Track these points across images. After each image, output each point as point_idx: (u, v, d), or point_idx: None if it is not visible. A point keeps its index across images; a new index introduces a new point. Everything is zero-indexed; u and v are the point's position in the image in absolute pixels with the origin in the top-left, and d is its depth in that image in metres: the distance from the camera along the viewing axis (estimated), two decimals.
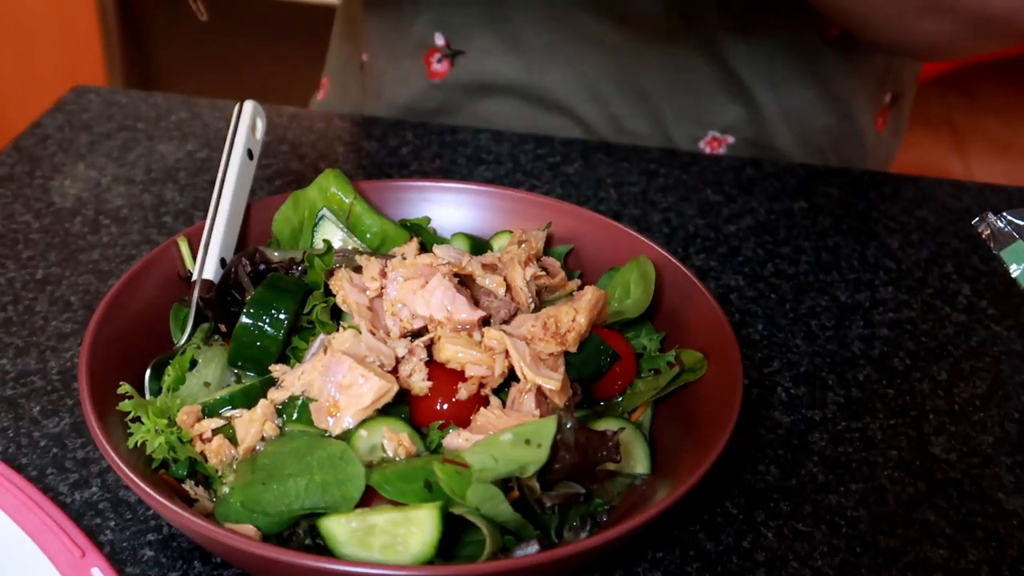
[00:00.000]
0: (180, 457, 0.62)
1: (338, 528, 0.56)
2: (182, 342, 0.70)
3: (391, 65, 1.16)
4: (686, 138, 1.13)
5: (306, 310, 0.70)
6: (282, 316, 0.67)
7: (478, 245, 0.79)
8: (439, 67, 1.12)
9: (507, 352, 0.64)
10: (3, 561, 0.60)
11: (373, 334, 0.66)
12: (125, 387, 0.64)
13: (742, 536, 0.67)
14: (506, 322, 0.69)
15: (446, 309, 0.67)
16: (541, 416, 0.63)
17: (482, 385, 0.65)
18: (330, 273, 0.73)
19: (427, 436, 0.63)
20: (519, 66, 1.10)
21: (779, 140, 1.13)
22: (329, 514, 0.57)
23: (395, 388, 0.62)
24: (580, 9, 1.05)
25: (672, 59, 1.08)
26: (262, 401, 0.64)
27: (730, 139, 1.13)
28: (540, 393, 0.64)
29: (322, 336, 0.67)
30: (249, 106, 0.81)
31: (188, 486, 0.62)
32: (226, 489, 0.60)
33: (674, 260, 0.75)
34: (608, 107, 1.12)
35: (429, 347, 0.66)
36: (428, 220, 0.82)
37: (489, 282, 0.71)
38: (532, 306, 0.71)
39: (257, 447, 0.62)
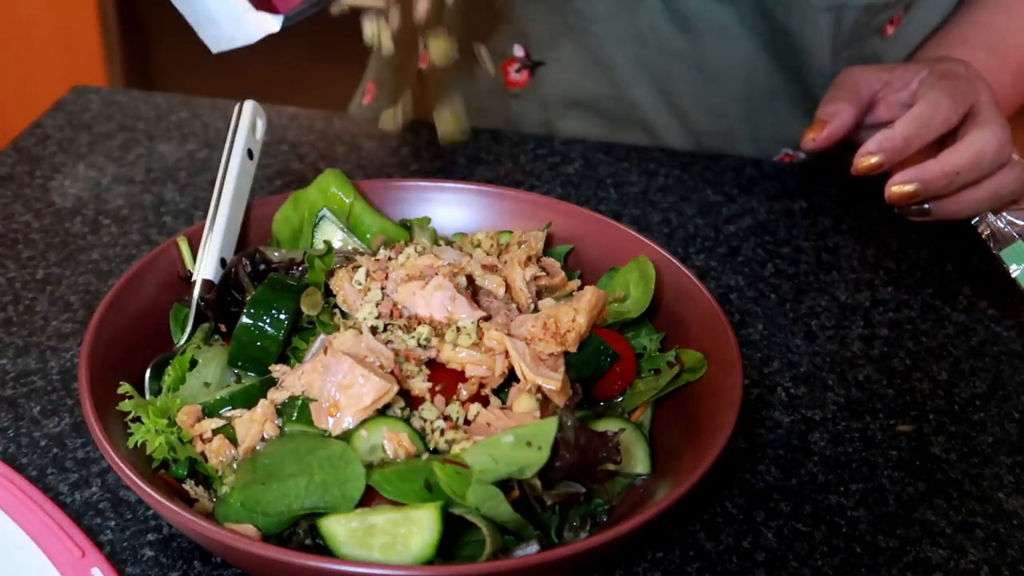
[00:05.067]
0: (180, 457, 0.62)
1: (338, 528, 0.56)
2: (182, 342, 0.70)
3: (463, 72, 1.14)
4: (760, 155, 1.13)
5: None
6: (282, 316, 0.67)
7: None
8: (517, 77, 1.11)
9: (507, 352, 0.64)
10: (3, 561, 0.60)
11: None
12: (125, 387, 0.64)
13: (742, 536, 0.67)
14: None
15: (446, 309, 0.67)
16: (541, 416, 0.63)
17: (482, 385, 0.65)
18: (330, 273, 0.73)
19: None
20: (602, 80, 1.09)
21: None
22: (329, 514, 0.57)
23: (395, 388, 0.62)
24: (666, 26, 1.04)
25: (752, 74, 1.07)
26: (262, 401, 0.64)
27: (801, 155, 1.14)
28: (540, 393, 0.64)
29: (322, 336, 0.67)
30: (249, 106, 0.81)
31: (188, 486, 0.62)
32: (226, 489, 0.60)
33: (674, 260, 0.75)
34: (688, 123, 1.12)
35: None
36: (428, 220, 0.82)
37: (489, 282, 0.71)
38: (532, 306, 0.71)
39: (257, 447, 0.62)
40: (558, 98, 1.12)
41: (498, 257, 0.75)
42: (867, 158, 0.81)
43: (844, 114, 0.88)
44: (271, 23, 0.59)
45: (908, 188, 0.80)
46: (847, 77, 0.93)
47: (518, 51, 1.10)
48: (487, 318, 0.68)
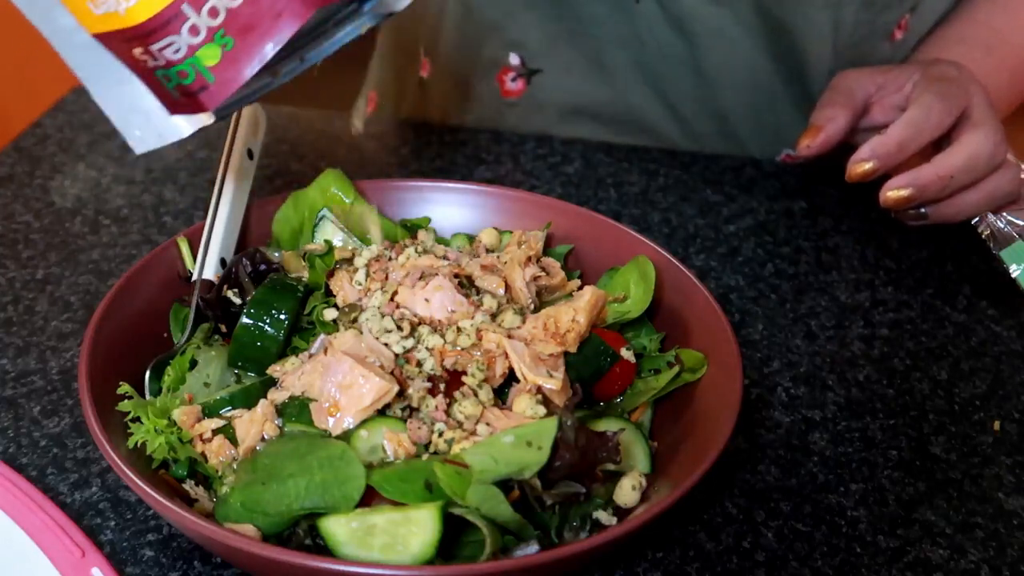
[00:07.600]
0: (180, 457, 0.62)
1: (338, 528, 0.56)
2: (182, 342, 0.70)
3: (459, 83, 1.14)
4: (761, 156, 1.13)
5: (306, 310, 0.70)
6: (282, 316, 0.67)
7: None
8: (513, 86, 1.10)
9: (507, 353, 0.64)
10: (3, 561, 0.60)
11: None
12: (125, 387, 0.64)
13: (742, 536, 0.67)
14: None
15: (446, 309, 0.67)
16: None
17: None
18: (330, 273, 0.73)
19: None
20: (601, 85, 1.09)
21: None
22: (329, 514, 0.57)
23: (395, 388, 0.62)
24: (663, 28, 1.04)
25: (752, 76, 1.07)
26: (262, 401, 0.64)
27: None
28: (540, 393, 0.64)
29: (322, 336, 0.67)
30: (249, 106, 0.81)
31: (188, 486, 0.62)
32: (226, 489, 0.60)
33: (674, 260, 0.75)
34: (688, 126, 1.11)
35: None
36: (428, 220, 0.82)
37: (489, 282, 0.71)
38: (532, 307, 0.71)
39: (257, 447, 0.62)
40: (556, 105, 1.12)
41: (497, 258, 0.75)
42: (861, 164, 0.81)
43: (839, 119, 0.88)
44: (202, 118, 0.54)
45: (903, 193, 0.80)
46: (841, 80, 0.93)
47: (514, 59, 1.09)
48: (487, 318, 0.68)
